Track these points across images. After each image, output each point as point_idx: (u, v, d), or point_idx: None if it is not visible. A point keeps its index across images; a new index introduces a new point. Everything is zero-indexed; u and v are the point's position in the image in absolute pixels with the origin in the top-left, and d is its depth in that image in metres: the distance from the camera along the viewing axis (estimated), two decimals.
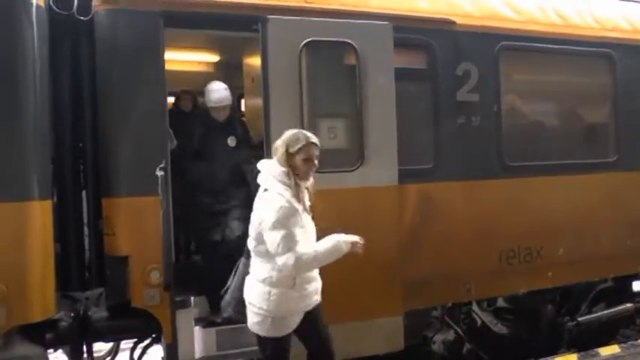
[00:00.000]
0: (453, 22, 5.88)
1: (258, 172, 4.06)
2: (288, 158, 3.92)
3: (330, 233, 3.99)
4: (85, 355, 4.96)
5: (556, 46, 6.38)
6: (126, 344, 5.59)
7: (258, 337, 4.02)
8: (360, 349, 5.19)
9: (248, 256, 4.11)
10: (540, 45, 6.31)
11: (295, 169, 3.93)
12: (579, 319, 6.78)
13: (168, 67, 4.94)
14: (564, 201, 6.38)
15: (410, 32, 5.65)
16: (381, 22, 5.39)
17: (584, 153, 6.78)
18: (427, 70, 5.82)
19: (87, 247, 4.93)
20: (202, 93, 6.13)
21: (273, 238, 3.76)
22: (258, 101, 5.29)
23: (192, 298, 5.35)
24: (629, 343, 6.86)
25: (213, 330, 5.34)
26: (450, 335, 6.45)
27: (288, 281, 3.88)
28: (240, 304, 4.10)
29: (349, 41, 5.27)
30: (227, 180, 5.63)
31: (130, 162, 4.75)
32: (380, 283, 5.27)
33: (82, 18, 4.78)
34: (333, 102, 5.42)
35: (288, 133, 4.03)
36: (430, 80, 5.83)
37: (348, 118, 5.35)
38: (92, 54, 4.85)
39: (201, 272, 5.73)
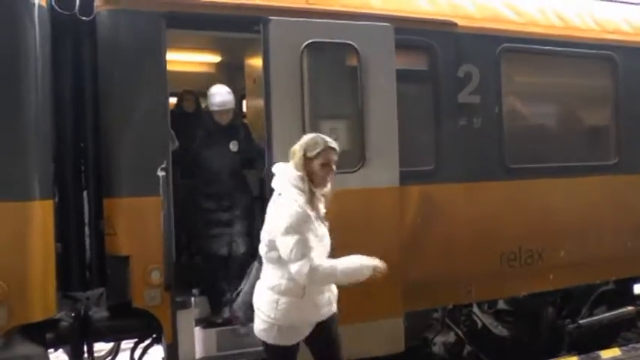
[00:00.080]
0: (455, 24, 5.89)
1: (273, 175, 3.95)
2: (306, 163, 3.79)
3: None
4: (86, 355, 4.96)
5: (557, 49, 6.38)
6: (126, 344, 5.59)
7: (265, 343, 3.91)
8: (360, 350, 5.18)
9: (261, 261, 3.98)
10: (541, 47, 6.31)
11: (312, 175, 3.79)
12: (580, 321, 6.77)
13: (169, 67, 4.94)
14: (565, 203, 6.38)
15: (411, 34, 5.65)
16: (382, 24, 5.39)
17: (586, 155, 6.78)
18: (428, 71, 5.83)
19: (88, 247, 4.93)
20: (204, 94, 6.15)
21: (287, 244, 3.64)
22: (260, 102, 5.29)
23: (192, 299, 5.36)
24: (630, 345, 6.86)
25: (213, 330, 5.35)
26: (451, 337, 6.45)
27: (297, 291, 3.73)
28: (250, 309, 3.98)
29: (351, 42, 5.27)
30: (228, 185, 5.57)
31: (131, 162, 4.75)
32: (380, 285, 5.25)
33: (84, 18, 4.79)
34: (334, 103, 5.42)
35: (307, 137, 3.92)
36: (431, 82, 5.84)
37: (350, 119, 5.35)
38: (94, 54, 4.85)
39: (202, 273, 5.73)
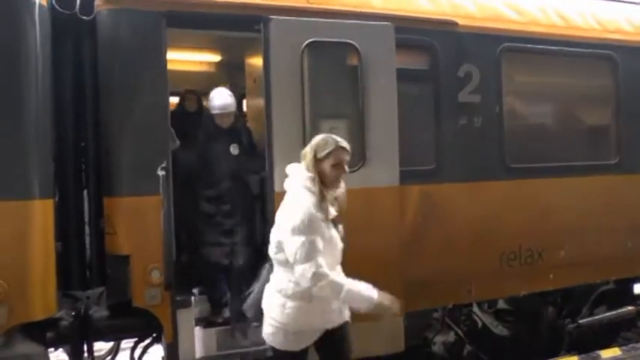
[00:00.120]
0: (455, 23, 5.89)
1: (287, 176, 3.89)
2: (317, 164, 3.73)
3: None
4: (86, 355, 4.95)
5: (558, 48, 6.38)
6: (126, 344, 5.59)
7: (273, 348, 3.84)
8: (360, 349, 5.15)
9: (272, 262, 3.91)
10: (542, 46, 6.31)
11: (323, 176, 3.73)
12: (580, 321, 6.77)
13: (170, 67, 4.94)
14: (566, 203, 6.37)
15: (412, 33, 5.65)
16: (383, 23, 5.39)
17: (586, 155, 6.78)
18: (429, 71, 5.83)
19: (88, 246, 4.94)
20: (206, 93, 6.14)
21: (293, 245, 3.59)
22: (260, 102, 5.29)
23: (192, 298, 5.36)
24: (630, 345, 6.85)
25: (213, 330, 5.35)
26: (451, 336, 6.45)
27: (305, 294, 3.64)
28: (259, 310, 3.92)
29: (351, 42, 5.27)
30: (229, 188, 5.46)
31: (131, 161, 4.75)
32: (381, 284, 5.24)
33: (84, 17, 4.79)
34: (334, 103, 5.41)
35: (317, 138, 3.85)
36: (432, 81, 5.83)
37: (350, 118, 5.35)
38: (94, 53, 4.86)
39: (203, 273, 5.72)
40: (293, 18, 5.14)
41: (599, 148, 6.98)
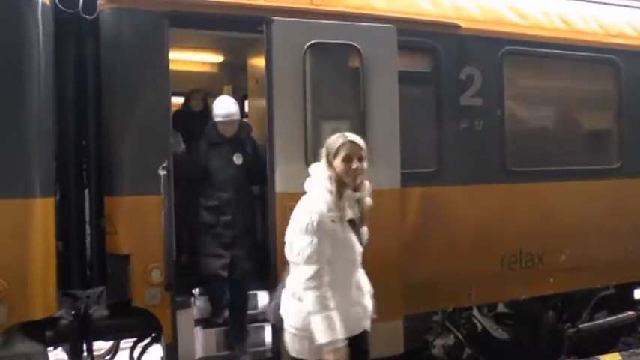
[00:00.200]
0: (458, 26, 5.89)
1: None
2: (331, 162, 3.65)
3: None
4: (85, 354, 4.95)
5: (560, 52, 6.38)
6: (126, 343, 5.59)
7: (292, 358, 3.71)
8: None
9: None
10: (544, 50, 6.31)
11: (338, 174, 3.62)
12: (580, 325, 6.76)
13: (172, 67, 4.94)
14: (567, 207, 6.37)
15: (414, 35, 5.65)
16: (385, 25, 5.39)
17: (588, 159, 6.78)
18: (431, 73, 5.83)
19: (88, 245, 4.94)
20: (208, 93, 6.14)
21: (299, 244, 3.53)
22: (262, 102, 5.29)
23: (192, 298, 5.36)
24: (631, 350, 6.86)
25: (213, 330, 5.34)
26: (451, 340, 6.45)
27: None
28: (279, 317, 3.82)
29: (353, 44, 5.27)
30: (231, 199, 5.33)
31: (132, 161, 4.75)
32: (380, 287, 5.24)
33: (87, 17, 4.79)
34: (336, 104, 5.41)
35: (330, 137, 3.77)
36: (434, 84, 5.84)
37: (352, 120, 5.34)
38: (97, 53, 4.86)
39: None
40: (295, 19, 5.14)
41: (601, 152, 6.97)
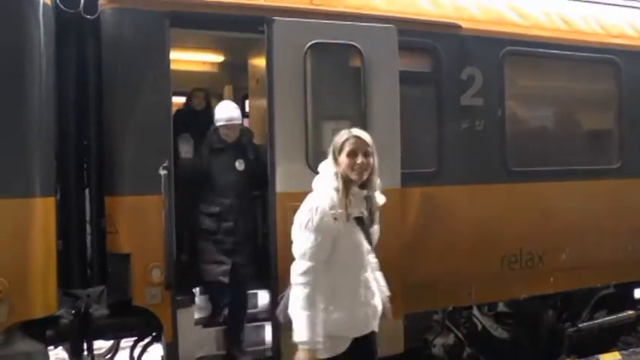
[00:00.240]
0: (459, 26, 5.89)
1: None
2: (337, 158, 3.56)
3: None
4: (86, 353, 4.96)
5: (561, 52, 6.38)
6: (126, 342, 5.60)
7: None
8: None
9: None
10: (545, 50, 6.31)
11: (344, 170, 3.52)
12: (580, 325, 6.77)
13: (173, 67, 4.95)
14: (567, 207, 6.37)
15: (415, 35, 5.65)
16: (386, 25, 5.39)
17: (588, 159, 6.78)
18: (432, 73, 5.84)
19: (89, 244, 4.94)
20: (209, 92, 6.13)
21: (298, 239, 3.49)
22: (263, 102, 5.30)
23: (193, 298, 5.36)
24: (630, 350, 6.86)
25: (213, 329, 5.35)
26: (451, 339, 6.45)
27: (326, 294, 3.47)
28: (288, 316, 3.67)
29: (354, 44, 5.27)
30: (232, 205, 5.31)
31: (133, 160, 4.75)
32: None
33: (88, 17, 4.80)
34: (337, 104, 5.41)
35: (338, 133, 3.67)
36: (434, 84, 5.84)
37: (352, 120, 5.30)
38: (98, 53, 4.86)
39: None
40: (296, 19, 5.14)
41: (602, 152, 6.97)
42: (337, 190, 3.50)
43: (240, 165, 5.38)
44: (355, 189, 3.55)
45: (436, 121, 5.82)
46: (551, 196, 6.29)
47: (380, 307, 3.77)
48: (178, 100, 6.65)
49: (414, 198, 5.58)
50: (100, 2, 4.82)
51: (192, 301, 5.28)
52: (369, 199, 3.65)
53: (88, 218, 4.93)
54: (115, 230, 4.76)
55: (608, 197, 6.65)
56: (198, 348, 5.19)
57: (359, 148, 3.54)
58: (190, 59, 6.97)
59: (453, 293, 5.90)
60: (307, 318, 3.41)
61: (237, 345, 5.27)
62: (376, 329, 3.76)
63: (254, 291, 5.56)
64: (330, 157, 3.61)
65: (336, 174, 3.54)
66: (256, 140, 5.78)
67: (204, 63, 7.33)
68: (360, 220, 3.62)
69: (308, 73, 5.13)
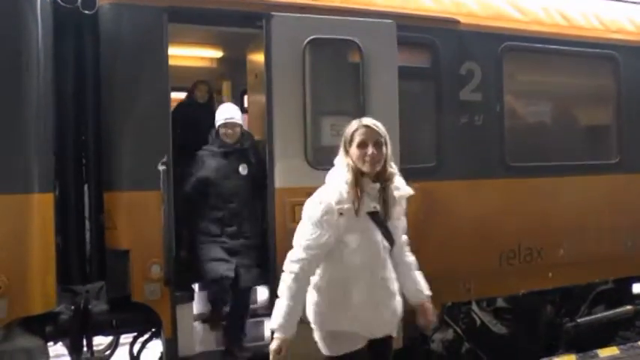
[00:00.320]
0: (457, 22, 5.88)
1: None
2: (348, 150, 3.47)
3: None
4: (85, 349, 4.96)
5: (560, 47, 6.37)
6: (126, 338, 5.60)
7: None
8: None
9: None
10: (544, 46, 6.31)
11: (354, 162, 3.41)
12: (579, 320, 6.78)
13: (171, 62, 4.94)
14: (566, 202, 6.38)
15: (414, 31, 5.64)
16: (385, 21, 5.38)
17: (587, 154, 6.79)
18: (431, 68, 5.83)
19: (88, 240, 4.93)
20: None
21: (300, 229, 3.42)
22: (261, 98, 5.28)
23: (192, 294, 5.36)
24: (629, 344, 6.86)
25: (212, 325, 5.35)
26: (449, 334, 6.45)
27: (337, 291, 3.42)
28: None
29: (353, 39, 5.26)
30: (236, 209, 5.26)
31: (132, 156, 4.75)
32: None
33: (86, 12, 4.77)
34: (336, 99, 5.41)
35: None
36: (433, 79, 5.84)
37: (351, 115, 5.27)
38: (96, 48, 4.85)
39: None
40: (295, 15, 5.13)
41: (600, 147, 6.98)
42: (348, 182, 3.37)
43: (243, 170, 5.33)
44: (369, 182, 3.43)
45: (435, 116, 5.82)
46: (549, 191, 6.30)
47: (400, 310, 3.64)
48: (177, 96, 6.63)
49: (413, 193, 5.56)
50: None
51: (192, 297, 5.28)
52: (385, 191, 3.49)
53: (86, 214, 4.92)
54: (113, 226, 4.76)
55: (607, 192, 6.65)
56: (198, 344, 5.20)
57: (369, 139, 3.41)
58: (189, 54, 6.95)
59: (452, 288, 5.90)
60: (284, 307, 3.40)
61: (237, 344, 5.26)
62: (394, 334, 3.66)
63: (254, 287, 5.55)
64: (342, 148, 3.52)
65: (348, 166, 3.43)
66: (255, 136, 5.75)
67: (202, 58, 7.30)
68: (374, 215, 3.48)
69: (307, 68, 5.11)
